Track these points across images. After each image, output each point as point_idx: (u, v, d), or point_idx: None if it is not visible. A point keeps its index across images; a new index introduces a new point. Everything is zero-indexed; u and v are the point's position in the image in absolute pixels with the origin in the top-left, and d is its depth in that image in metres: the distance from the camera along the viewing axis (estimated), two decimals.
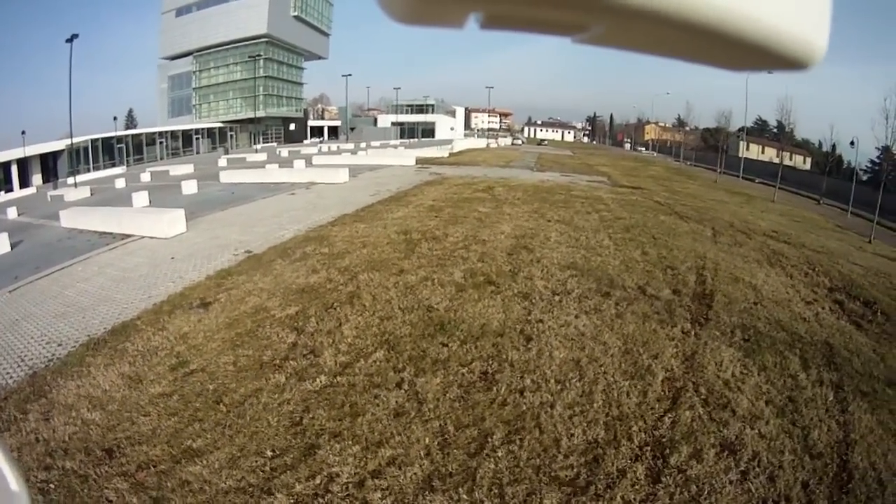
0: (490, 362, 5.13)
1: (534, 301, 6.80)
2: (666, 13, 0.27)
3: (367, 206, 14.26)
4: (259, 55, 63.25)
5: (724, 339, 5.88)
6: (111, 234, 13.36)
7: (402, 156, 31.49)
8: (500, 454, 3.72)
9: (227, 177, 24.79)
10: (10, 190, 41.26)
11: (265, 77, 66.29)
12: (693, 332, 6.00)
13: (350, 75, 69.75)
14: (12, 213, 23.64)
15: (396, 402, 4.43)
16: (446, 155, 35.39)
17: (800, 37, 0.31)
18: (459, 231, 10.73)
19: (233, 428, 4.14)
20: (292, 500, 3.26)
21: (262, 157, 41.41)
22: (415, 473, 3.50)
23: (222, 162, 38.81)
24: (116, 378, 5.19)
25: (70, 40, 31.49)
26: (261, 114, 65.50)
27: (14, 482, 0.63)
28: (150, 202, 18.70)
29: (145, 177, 32.44)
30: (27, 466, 3.92)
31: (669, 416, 4.30)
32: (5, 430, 4.46)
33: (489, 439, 3.88)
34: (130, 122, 76.16)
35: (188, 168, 34.73)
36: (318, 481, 3.42)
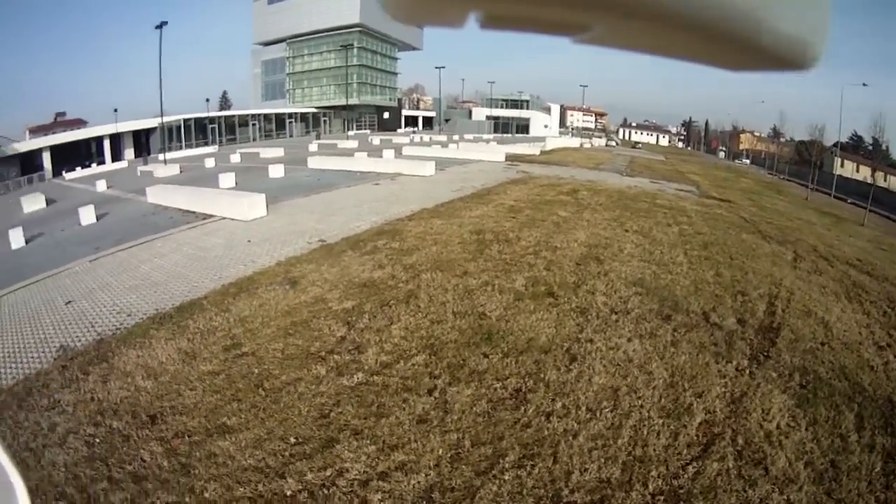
0: (526, 380, 5.24)
1: (589, 318, 6.82)
2: (666, 13, 0.29)
3: (448, 202, 14.81)
4: (352, 44, 67.45)
5: (780, 382, 5.56)
6: (194, 212, 14.83)
7: (492, 151, 32.43)
8: (506, 477, 3.85)
9: (314, 163, 26.41)
10: (101, 162, 47.13)
11: (359, 66, 71.36)
12: (748, 371, 5.75)
13: (443, 67, 75.51)
14: (101, 185, 26.75)
15: (423, 408, 4.69)
16: (537, 153, 36.20)
17: (799, 38, 0.34)
18: (533, 235, 10.95)
19: (266, 412, 4.64)
20: (300, 486, 3.65)
21: (353, 144, 43.61)
22: (419, 482, 3.74)
23: (313, 147, 41.35)
24: (173, 352, 5.93)
25: (159, 27, 35.32)
26: (354, 101, 70.13)
27: (14, 480, 0.68)
28: (236, 184, 20.36)
29: (235, 158, 35.24)
30: (78, 421, 4.70)
31: (695, 465, 4.17)
32: (66, 387, 5.32)
33: (501, 460, 4.02)
34: (225, 103, 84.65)
35: (279, 151, 37.24)
36: (328, 473, 3.78)
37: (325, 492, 3.61)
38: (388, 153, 30.12)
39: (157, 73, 35.97)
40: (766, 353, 6.25)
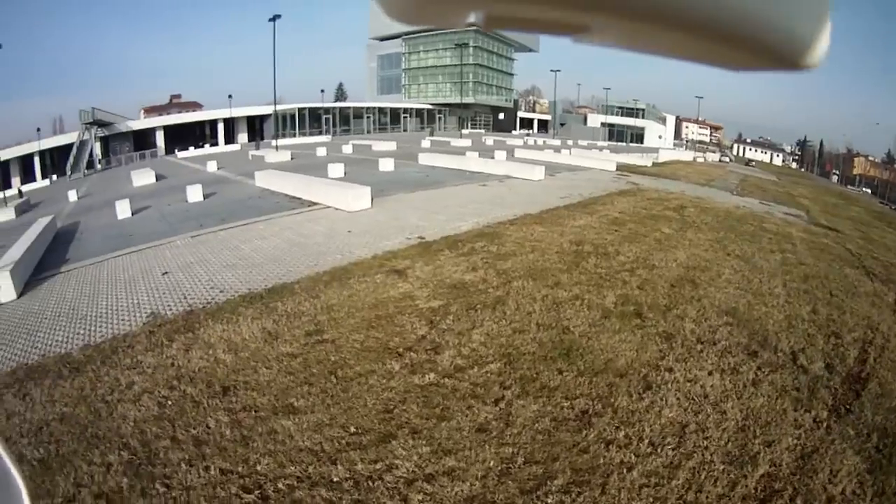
0: (595, 402, 5.15)
1: (674, 345, 6.62)
2: (666, 13, 0.30)
3: (552, 209, 14.82)
4: (466, 43, 70.04)
5: (856, 441, 5.06)
6: (300, 199, 15.78)
7: (604, 159, 32.47)
8: (549, 500, 3.79)
9: (425, 159, 27.32)
10: (214, 144, 52.22)
11: (474, 65, 75.28)
12: (826, 424, 5.29)
13: (559, 71, 78.29)
14: (212, 166, 29.35)
15: (486, 417, 4.71)
16: (649, 164, 35.86)
17: (800, 37, 0.35)
18: (633, 251, 10.79)
19: (333, 399, 4.85)
20: (348, 475, 3.79)
21: (466, 143, 44.63)
22: (461, 490, 3.76)
23: (425, 143, 42.78)
24: (258, 331, 6.36)
25: (273, 20, 38.59)
26: (469, 100, 73.05)
27: (14, 481, 0.69)
28: (345, 174, 21.36)
29: (347, 149, 37.16)
30: (155, 382, 5.19)
31: None
32: (149, 351, 5.90)
33: (549, 482, 3.97)
34: (341, 94, 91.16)
35: (391, 145, 38.82)
36: (377, 466, 3.91)
37: (370, 484, 3.73)
38: (500, 154, 30.53)
39: (274, 60, 39.30)
40: (847, 406, 5.78)
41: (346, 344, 6.05)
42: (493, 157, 27.57)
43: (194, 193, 17.57)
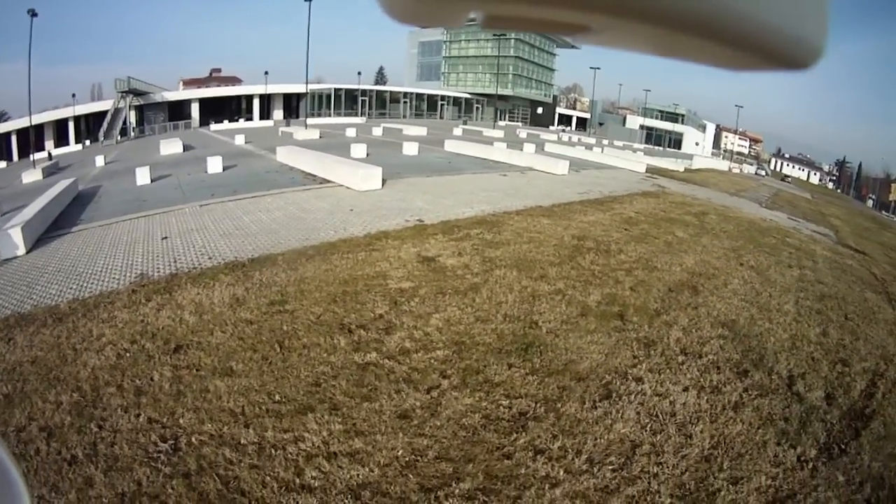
0: (538, 405, 4.75)
1: (651, 353, 6.08)
2: (666, 13, 0.30)
3: (565, 203, 14.83)
4: (507, 34, 70.96)
5: (844, 490, 4.25)
6: (314, 176, 16.18)
7: (635, 160, 32.13)
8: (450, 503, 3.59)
9: (451, 146, 27.54)
10: (249, 119, 53.50)
11: (515, 57, 75.78)
12: (812, 465, 4.49)
13: (599, 69, 76.91)
14: (240, 140, 30.59)
15: (412, 404, 4.60)
16: (681, 169, 35.38)
17: (800, 36, 0.35)
18: (637, 251, 10.53)
19: (271, 366, 5.08)
20: (255, 440, 3.98)
21: (499, 134, 44.68)
22: (357, 475, 3.70)
23: (457, 131, 42.87)
24: (227, 297, 6.69)
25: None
26: (507, 92, 73.10)
27: (15, 481, 0.68)
28: (367, 155, 21.63)
29: (377, 131, 37.78)
30: (121, 335, 5.60)
31: None
32: (126, 308, 6.32)
33: (453, 484, 3.69)
34: (381, 78, 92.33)
35: (422, 130, 39.27)
36: (286, 436, 4.03)
37: (272, 452, 3.87)
38: (529, 147, 30.43)
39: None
40: (842, 446, 4.95)
41: (302, 316, 6.24)
42: (521, 150, 27.43)
43: (214, 165, 18.20)
